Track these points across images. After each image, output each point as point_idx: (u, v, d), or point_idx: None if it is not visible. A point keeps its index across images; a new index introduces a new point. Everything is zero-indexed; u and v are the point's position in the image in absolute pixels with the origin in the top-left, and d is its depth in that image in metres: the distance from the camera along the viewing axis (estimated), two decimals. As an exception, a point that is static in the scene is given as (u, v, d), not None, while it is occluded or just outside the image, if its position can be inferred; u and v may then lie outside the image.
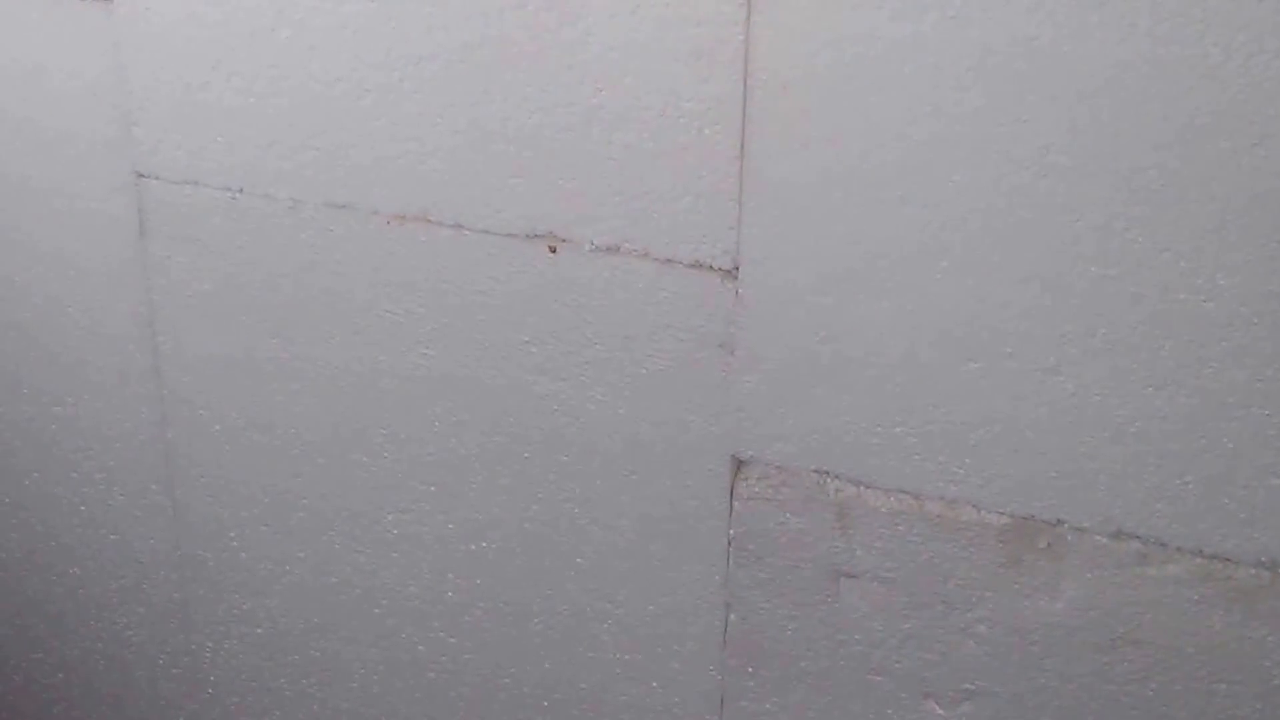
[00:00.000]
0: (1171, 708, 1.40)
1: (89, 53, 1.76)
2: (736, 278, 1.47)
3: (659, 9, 1.42)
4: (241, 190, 1.73)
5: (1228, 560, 1.33)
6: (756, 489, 1.53)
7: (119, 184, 1.81)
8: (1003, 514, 1.42)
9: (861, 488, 1.47)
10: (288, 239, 1.72)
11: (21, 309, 1.95)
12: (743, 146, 1.42)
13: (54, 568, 2.09)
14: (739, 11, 1.38)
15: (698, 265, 1.49)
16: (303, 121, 1.66)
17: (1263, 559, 1.32)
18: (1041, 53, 1.27)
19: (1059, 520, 1.39)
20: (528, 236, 1.57)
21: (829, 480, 1.49)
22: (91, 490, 2.01)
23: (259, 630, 1.95)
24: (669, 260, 1.50)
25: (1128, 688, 1.41)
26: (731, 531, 1.56)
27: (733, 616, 1.60)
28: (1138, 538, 1.36)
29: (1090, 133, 1.27)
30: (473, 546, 1.74)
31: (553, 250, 1.56)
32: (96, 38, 1.75)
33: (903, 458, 1.45)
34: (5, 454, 2.05)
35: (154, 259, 1.82)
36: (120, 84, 1.76)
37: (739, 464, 1.53)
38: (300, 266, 1.72)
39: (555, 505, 1.67)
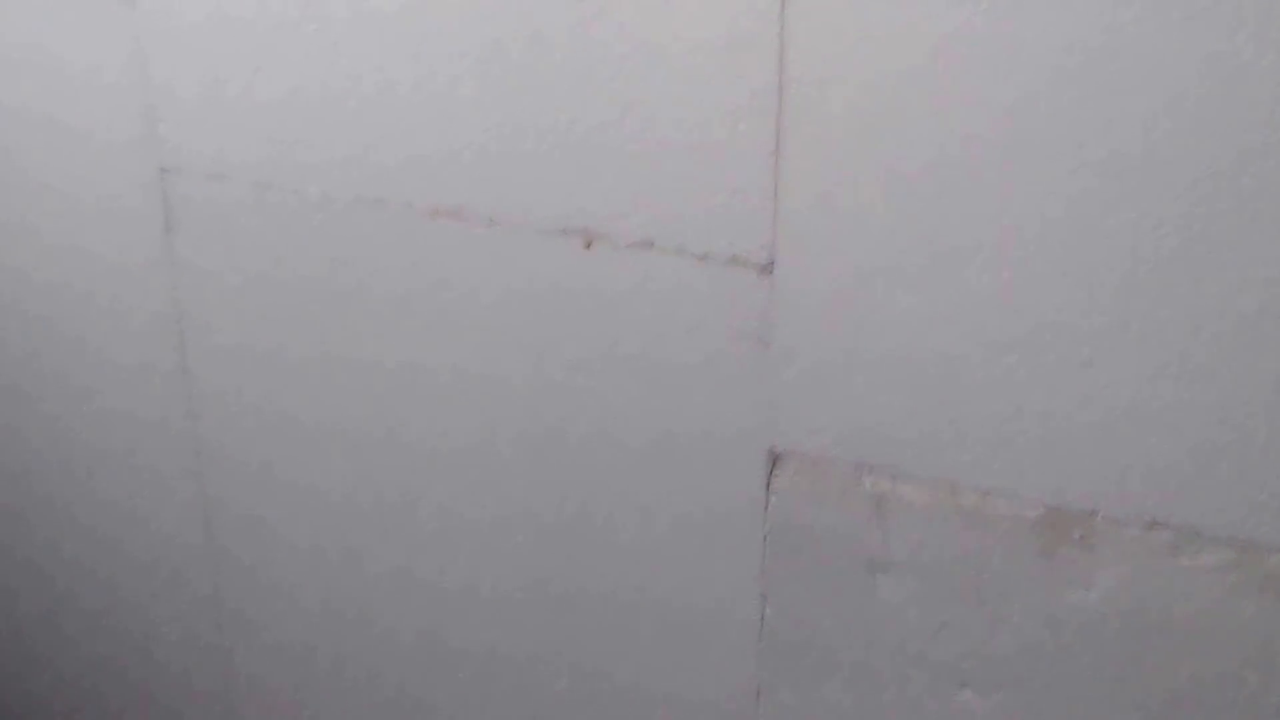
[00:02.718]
0: (1203, 696, 1.44)
1: (111, 47, 1.80)
2: (772, 273, 1.51)
3: (693, 3, 1.46)
4: (270, 185, 1.76)
5: (1260, 548, 1.37)
6: (793, 482, 1.57)
7: (144, 180, 1.84)
8: (1037, 505, 1.46)
9: (897, 480, 1.52)
10: (317, 234, 1.76)
11: (49, 306, 1.99)
12: (778, 142, 1.46)
13: (84, 564, 2.13)
14: (774, 5, 1.42)
15: (733, 261, 1.53)
16: (332, 116, 1.69)
17: (1294, 547, 1.37)
18: (1076, 48, 1.30)
19: (1092, 511, 1.44)
20: (562, 232, 1.61)
21: (865, 473, 1.53)
22: (121, 486, 2.05)
23: (293, 624, 2.00)
24: (704, 256, 1.54)
25: (1159, 677, 1.45)
26: (768, 525, 1.60)
27: (769, 609, 1.64)
28: (1170, 527, 1.41)
29: (1124, 128, 1.31)
30: (508, 540, 1.78)
31: (587, 246, 1.60)
32: (119, 32, 1.79)
33: (938, 450, 1.49)
34: (35, 451, 2.09)
35: (181, 255, 1.86)
36: (144, 79, 1.79)
37: (775, 457, 1.58)
38: (330, 262, 1.76)
39: (591, 500, 1.71)
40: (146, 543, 2.07)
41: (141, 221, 1.88)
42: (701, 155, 1.51)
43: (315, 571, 1.95)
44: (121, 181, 1.87)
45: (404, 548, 1.87)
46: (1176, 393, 1.37)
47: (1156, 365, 1.37)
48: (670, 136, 1.52)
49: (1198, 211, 1.31)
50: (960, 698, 1.57)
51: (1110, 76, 1.31)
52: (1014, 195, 1.38)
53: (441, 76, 1.62)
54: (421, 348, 1.75)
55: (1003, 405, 1.45)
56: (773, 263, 1.51)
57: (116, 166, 1.87)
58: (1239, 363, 1.34)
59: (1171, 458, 1.39)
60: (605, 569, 1.74)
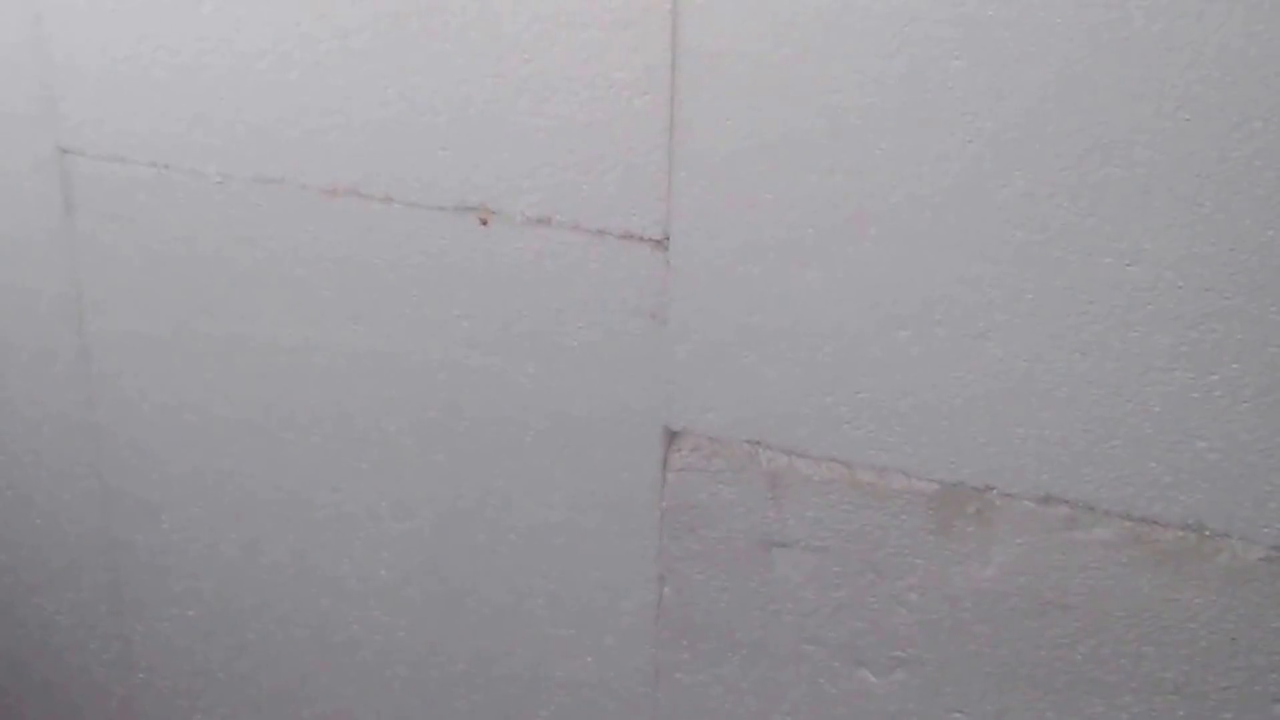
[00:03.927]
0: (1101, 671, 1.45)
1: (10, 25, 1.79)
2: (667, 248, 1.51)
3: (587, -22, 1.46)
4: (168, 165, 1.75)
5: (1155, 523, 1.38)
6: (689, 460, 1.57)
7: (43, 160, 1.83)
8: (932, 481, 1.46)
9: (793, 457, 1.51)
10: (216, 214, 1.75)
11: (-55, 290, 1.97)
12: (672, 116, 1.46)
13: (-20, 553, 2.12)
14: (667, -20, 1.42)
15: (628, 236, 1.53)
16: (230, 95, 1.69)
17: (1189, 521, 1.37)
18: (968, 19, 1.31)
19: (988, 486, 1.44)
20: (458, 209, 1.60)
21: (761, 450, 1.53)
22: (19, 473, 2.03)
23: (191, 613, 1.98)
24: (600, 231, 1.54)
25: (1057, 652, 1.46)
26: (664, 504, 1.60)
27: (667, 589, 1.64)
28: (1066, 502, 1.41)
29: (1015, 99, 1.31)
30: (405, 524, 1.78)
31: (484, 222, 1.60)
32: (17, 10, 1.77)
33: (833, 427, 1.49)
34: (-71, 438, 2.07)
35: (80, 236, 1.85)
36: (43, 58, 1.78)
37: (671, 435, 1.57)
38: (229, 242, 1.75)
39: (488, 481, 1.70)
40: (43, 531, 2.06)
41: (41, 202, 1.87)
42: (597, 131, 1.51)
43: (212, 560, 1.94)
44: (20, 162, 1.86)
45: (300, 535, 1.86)
46: (1070, 366, 1.38)
47: (1050, 338, 1.38)
48: (566, 112, 1.52)
49: (1090, 182, 1.31)
50: (858, 676, 1.57)
51: (1000, 46, 1.31)
52: (907, 167, 1.38)
53: (337, 54, 1.61)
54: (320, 328, 1.74)
55: (897, 380, 1.45)
56: (667, 238, 1.50)
57: (14, 146, 1.86)
58: (1132, 335, 1.35)
59: (1066, 431, 1.40)
60: (503, 553, 1.73)
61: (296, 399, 1.78)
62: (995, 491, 1.44)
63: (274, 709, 1.99)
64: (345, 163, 1.65)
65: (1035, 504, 1.43)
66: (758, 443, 1.53)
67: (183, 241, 1.78)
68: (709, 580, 1.61)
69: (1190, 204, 1.28)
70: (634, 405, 1.58)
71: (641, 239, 1.52)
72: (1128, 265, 1.32)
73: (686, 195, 1.48)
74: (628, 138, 1.49)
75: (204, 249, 1.77)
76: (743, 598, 1.60)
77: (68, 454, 1.98)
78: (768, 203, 1.44)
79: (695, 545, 1.60)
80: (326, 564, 1.85)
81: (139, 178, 1.78)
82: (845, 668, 1.57)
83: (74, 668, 2.12)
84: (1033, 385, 1.39)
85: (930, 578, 1.49)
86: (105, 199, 1.81)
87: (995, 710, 1.51)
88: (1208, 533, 1.37)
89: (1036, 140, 1.32)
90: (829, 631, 1.56)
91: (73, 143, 1.81)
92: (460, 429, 1.69)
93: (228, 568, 1.93)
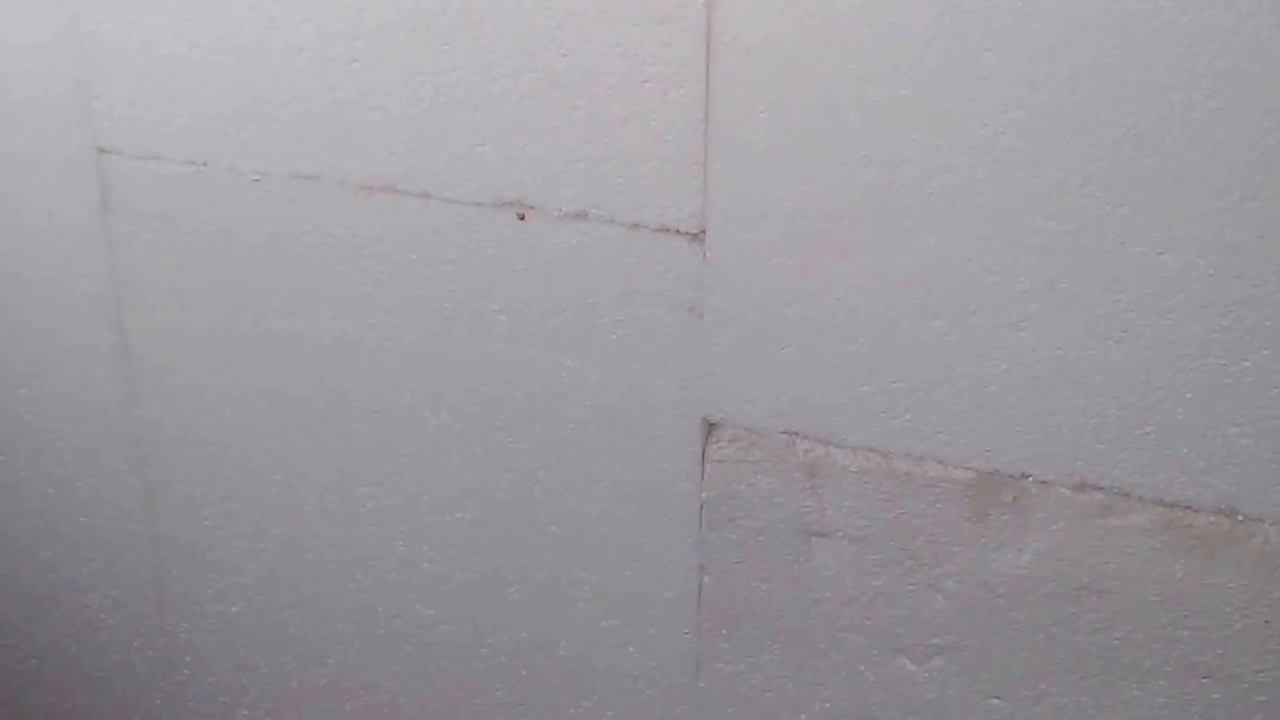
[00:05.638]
0: (1136, 656, 1.51)
1: (46, 25, 1.84)
2: (703, 241, 1.56)
3: (622, -27, 1.51)
4: (206, 163, 1.81)
5: (1188, 508, 1.44)
6: (727, 451, 1.63)
7: (80, 160, 1.88)
8: (968, 469, 1.52)
9: (830, 447, 1.58)
10: (254, 212, 1.80)
11: (-14, 290, 2.04)
12: (707, 110, 1.51)
13: (24, 552, 2.17)
14: (701, -26, 1.47)
15: (665, 229, 1.58)
16: (266, 93, 1.74)
17: (1222, 506, 1.43)
18: (999, 11, 1.36)
19: (1023, 474, 1.50)
20: (495, 204, 1.66)
21: (798, 441, 1.59)
22: (61, 472, 2.09)
23: (234, 609, 2.04)
24: (636, 225, 1.60)
25: (1093, 638, 1.52)
26: (703, 494, 1.66)
27: (707, 579, 1.70)
28: (1100, 489, 1.47)
29: (1047, 89, 1.37)
30: (447, 517, 1.84)
31: (521, 217, 1.65)
32: (54, 9, 1.82)
33: (870, 416, 1.55)
34: (-28, 437, 2.14)
35: (119, 235, 1.90)
36: (79, 56, 1.83)
37: (710, 427, 1.63)
38: (268, 239, 1.81)
39: (528, 473, 1.76)
40: (86, 529, 2.11)
41: (79, 202, 1.91)
42: (633, 125, 1.56)
43: (256, 553, 2.00)
44: (57, 161, 1.91)
45: (343, 530, 1.92)
46: (1104, 354, 1.43)
47: (1083, 326, 1.43)
48: (601, 106, 1.57)
49: (1122, 172, 1.37)
50: (896, 664, 1.63)
51: (1031, 37, 1.36)
52: (941, 158, 1.43)
53: (374, 50, 1.66)
54: (359, 323, 1.80)
55: (933, 369, 1.51)
56: (703, 230, 1.56)
57: (52, 146, 1.91)
58: (1164, 323, 1.40)
59: (1100, 419, 1.46)
60: (544, 544, 1.79)
61: (336, 394, 1.84)
62: (1030, 479, 1.50)
63: (318, 703, 2.04)
64: (382, 159, 1.70)
65: (1070, 491, 1.49)
66: (795, 433, 1.59)
67: (221, 238, 1.83)
68: (748, 570, 1.67)
69: (1220, 192, 1.34)
70: (672, 397, 1.64)
71: (678, 232, 1.58)
72: (1159, 254, 1.38)
73: (722, 188, 1.54)
74: (663, 131, 1.55)
75: (242, 246, 1.83)
76: (782, 587, 1.66)
77: (109, 451, 2.03)
78: (803, 195, 1.50)
79: (734, 535, 1.66)
80: (369, 558, 1.91)
81: (176, 176, 1.83)
82: (884, 655, 1.63)
83: (118, 664, 2.18)
84: (1066, 373, 1.45)
85: (967, 565, 1.55)
86: (143, 197, 1.86)
87: (1032, 695, 1.57)
88: (1241, 518, 1.43)
89: (1068, 130, 1.37)
90: (867, 620, 1.62)
91: (110, 142, 1.86)
92: (500, 422, 1.75)
93: (270, 563, 1.98)
